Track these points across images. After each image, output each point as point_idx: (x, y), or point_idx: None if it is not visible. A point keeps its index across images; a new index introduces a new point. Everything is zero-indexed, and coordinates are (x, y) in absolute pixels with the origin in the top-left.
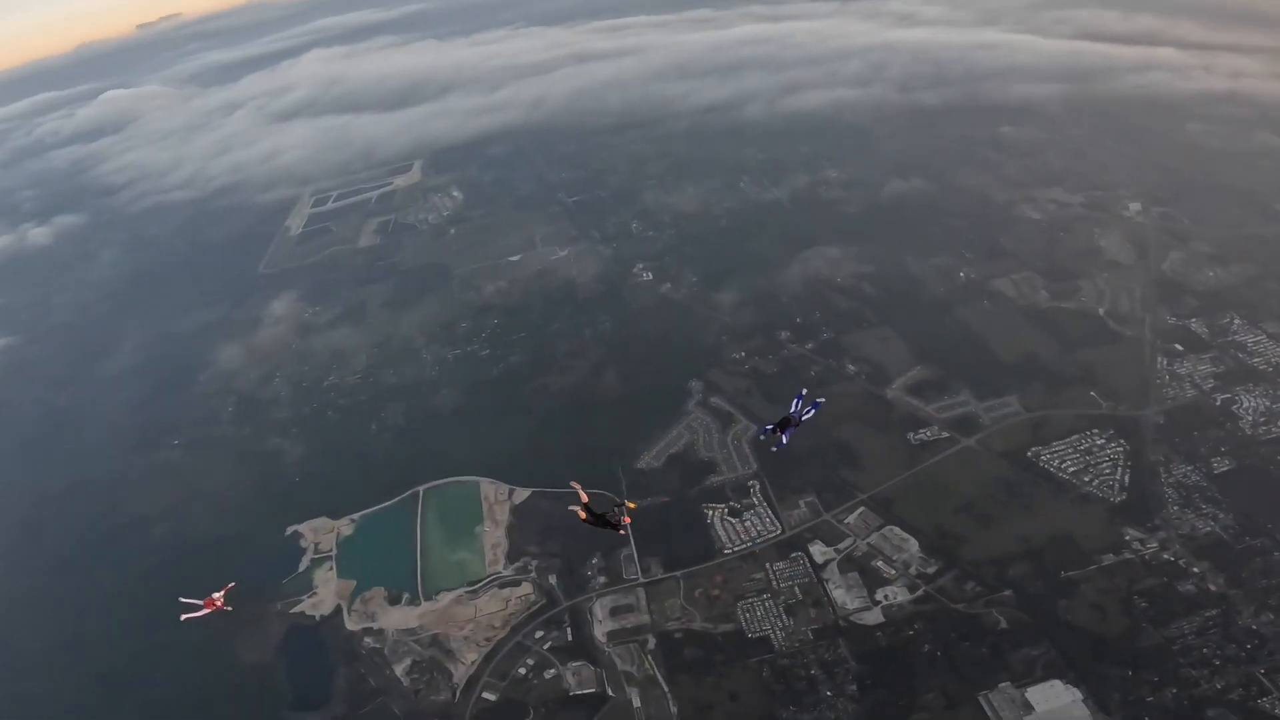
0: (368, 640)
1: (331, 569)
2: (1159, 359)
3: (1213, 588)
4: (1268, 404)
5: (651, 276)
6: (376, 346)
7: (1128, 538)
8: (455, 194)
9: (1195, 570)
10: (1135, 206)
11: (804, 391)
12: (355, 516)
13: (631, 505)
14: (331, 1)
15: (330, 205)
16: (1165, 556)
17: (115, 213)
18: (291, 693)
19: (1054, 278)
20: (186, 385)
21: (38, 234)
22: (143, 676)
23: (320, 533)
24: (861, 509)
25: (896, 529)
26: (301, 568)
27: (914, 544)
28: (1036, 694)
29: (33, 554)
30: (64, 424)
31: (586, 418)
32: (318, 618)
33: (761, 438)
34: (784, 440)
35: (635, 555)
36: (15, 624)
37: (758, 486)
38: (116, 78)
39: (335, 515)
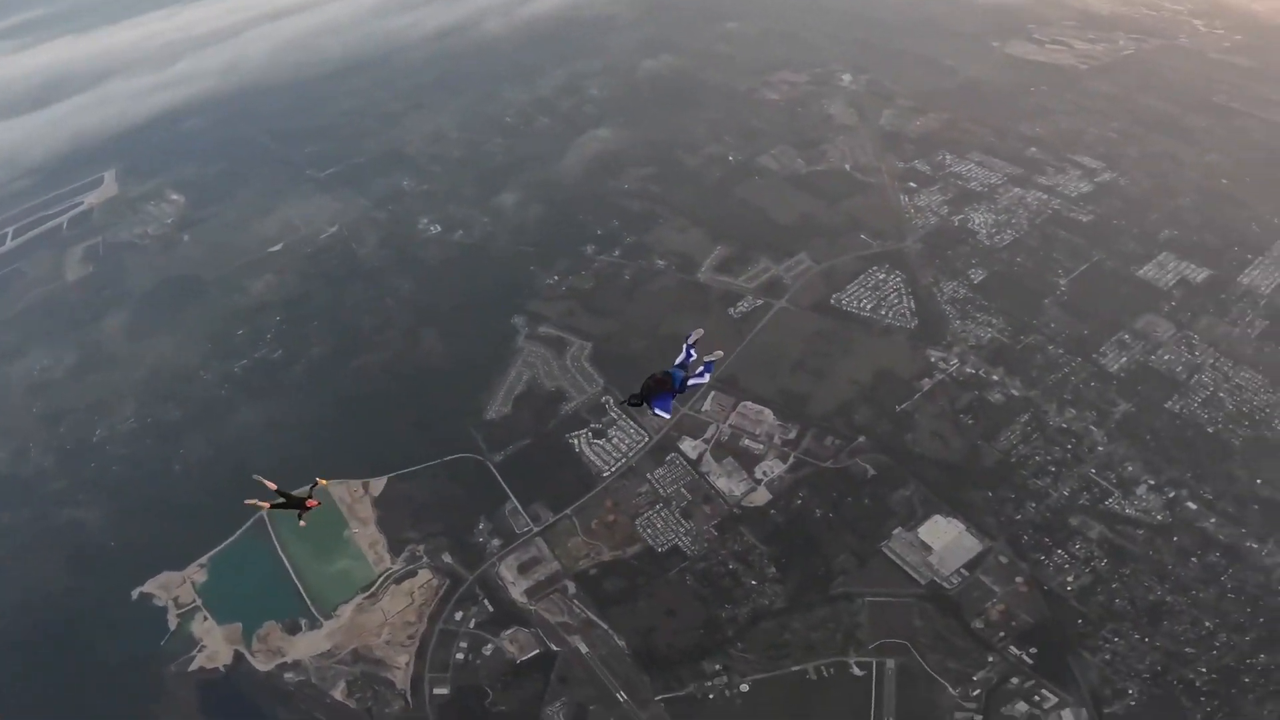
0: (289, 675)
1: (206, 618)
2: (901, 197)
3: (1015, 392)
4: (992, 218)
5: (440, 229)
6: (142, 384)
7: (933, 359)
8: (174, 197)
9: (995, 378)
10: (848, 78)
11: (691, 339)
12: (203, 560)
13: (323, 481)
14: None
15: (9, 245)
16: (967, 370)
17: None
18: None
19: (803, 147)
20: None
21: None
22: None
23: (171, 587)
24: (713, 393)
25: (750, 403)
26: (173, 625)
27: (769, 414)
28: (927, 533)
29: None
30: None
31: (417, 386)
32: (222, 668)
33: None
34: (660, 411)
35: (519, 506)
36: None
37: (610, 400)
38: None
39: (179, 566)
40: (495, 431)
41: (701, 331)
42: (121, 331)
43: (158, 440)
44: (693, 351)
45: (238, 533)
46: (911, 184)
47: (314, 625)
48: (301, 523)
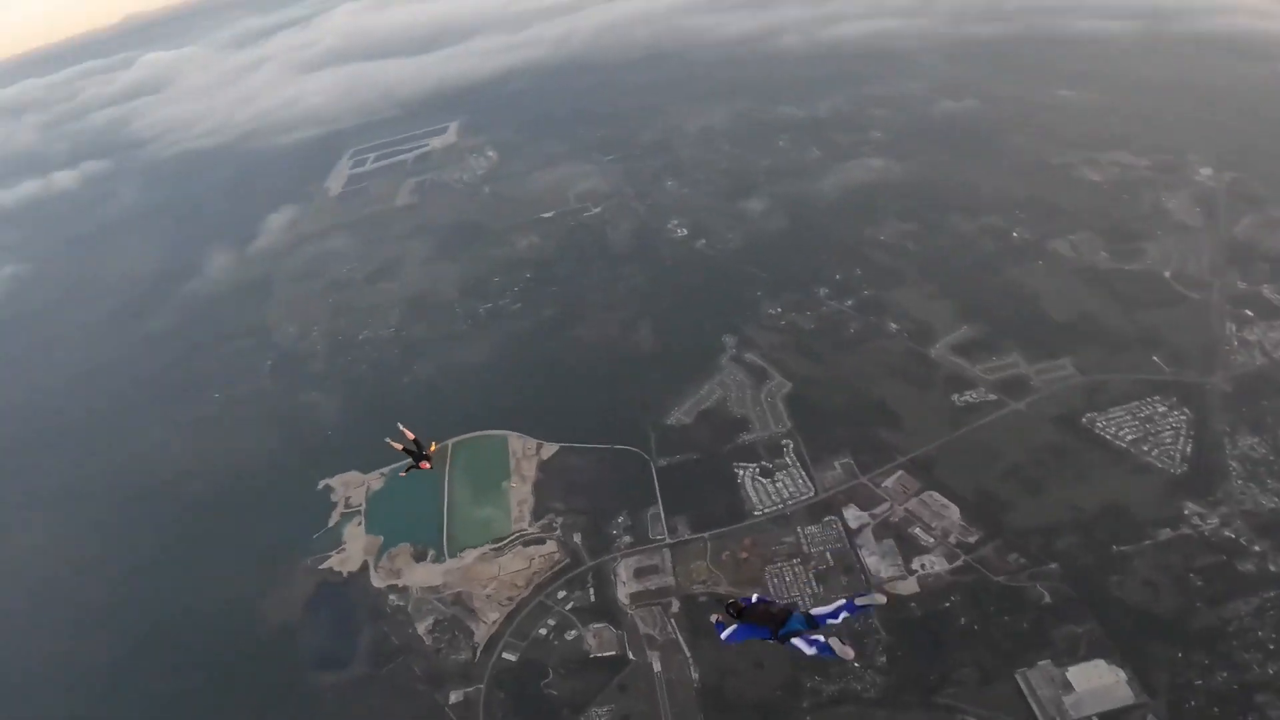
0: (393, 598)
1: (360, 524)
2: (1228, 324)
3: (1273, 568)
4: None
5: (686, 232)
6: (410, 302)
7: (1187, 512)
8: (490, 154)
9: (1257, 549)
10: (1206, 171)
11: (865, 600)
12: (385, 470)
13: (434, 446)
14: None
15: (369, 166)
16: (1226, 533)
17: (142, 159)
18: (315, 653)
19: (1115, 239)
20: (225, 338)
21: (63, 178)
22: (170, 637)
23: (351, 487)
24: (900, 472)
25: (936, 494)
26: (331, 522)
27: (955, 511)
28: (1078, 673)
29: (67, 512)
30: (96, 373)
31: (617, 372)
32: (345, 575)
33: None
34: (728, 638)
35: (662, 515)
36: (51, 584)
37: (791, 446)
38: (159, 45)
39: (366, 469)
40: (669, 437)
41: (883, 600)
42: (414, 256)
43: (402, 352)
44: (851, 610)
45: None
46: (1248, 311)
47: (438, 559)
48: (402, 474)
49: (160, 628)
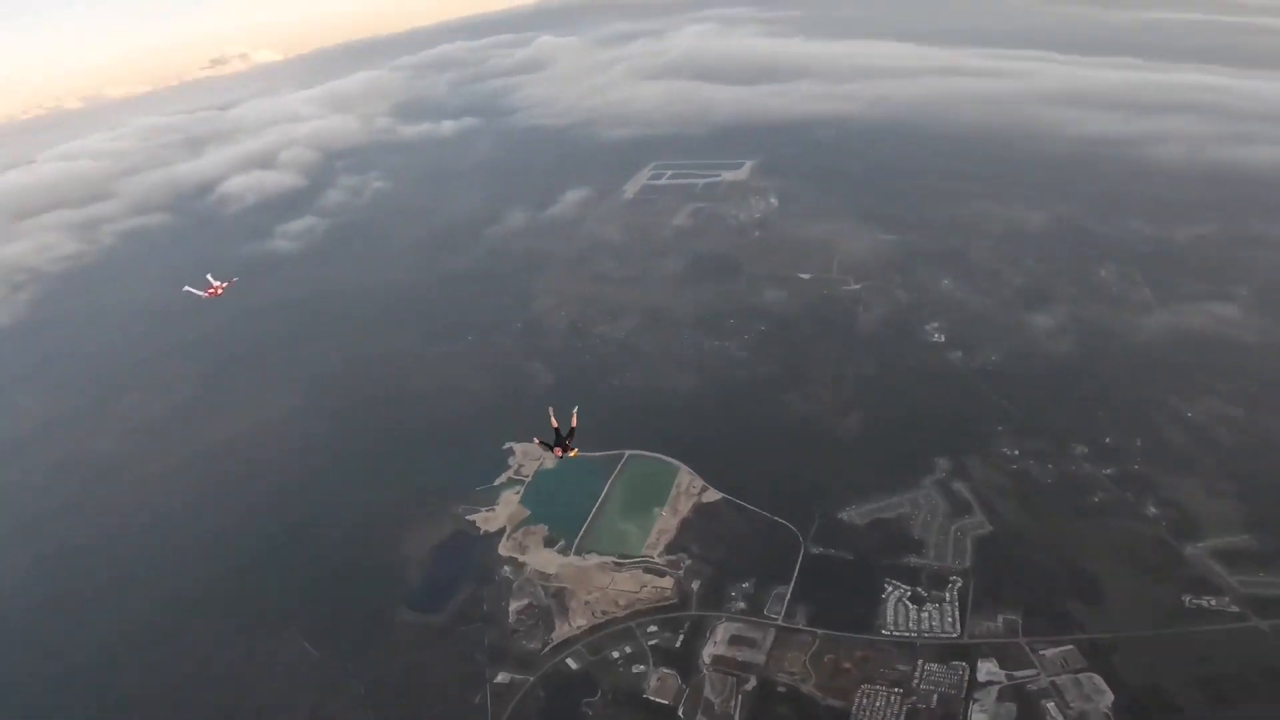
0: (506, 569)
1: (518, 493)
2: None
3: None
4: None
5: (943, 339)
6: (648, 314)
7: None
8: (772, 199)
9: None
10: None
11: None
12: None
13: (574, 453)
14: None
15: (663, 181)
16: None
17: (502, 124)
18: (415, 590)
19: None
20: (498, 290)
21: (446, 126)
22: (311, 533)
23: (528, 457)
24: (1071, 647)
25: (1098, 678)
26: (496, 482)
27: (1108, 698)
28: None
29: (303, 395)
30: (387, 286)
31: (810, 449)
32: (481, 532)
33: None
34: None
35: (787, 596)
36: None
37: (958, 584)
38: (557, 30)
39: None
40: (833, 529)
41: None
42: (668, 274)
43: (624, 356)
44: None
45: (602, 453)
46: None
47: (563, 551)
48: (536, 442)
49: (309, 521)
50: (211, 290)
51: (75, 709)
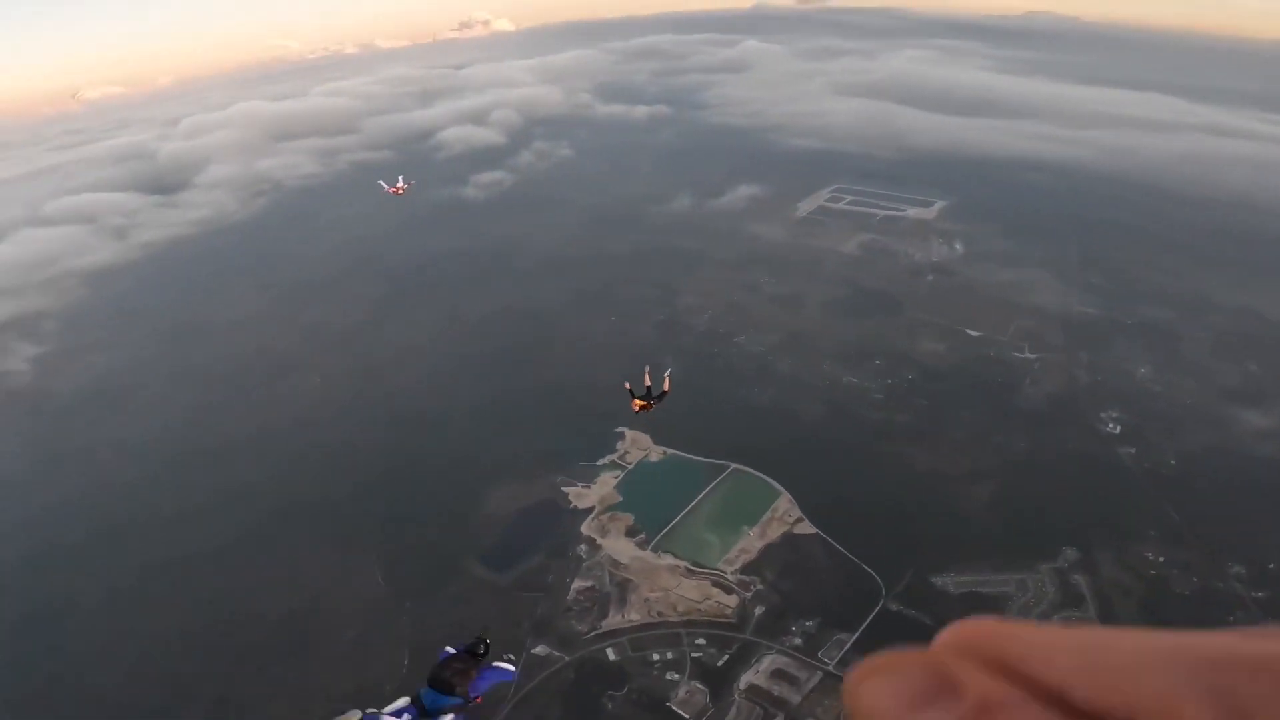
0: (581, 547)
1: (617, 478)
2: None
3: None
4: None
5: (1118, 431)
6: (791, 336)
7: None
8: (956, 245)
9: None
10: None
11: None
12: (669, 451)
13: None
14: (967, 25)
15: (841, 205)
16: None
17: (691, 117)
18: (491, 548)
19: None
20: (649, 277)
21: (639, 110)
22: (405, 475)
23: (636, 446)
24: None
25: None
26: (599, 461)
27: None
28: None
29: (443, 346)
30: (550, 258)
31: (924, 507)
32: (572, 507)
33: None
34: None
35: (849, 644)
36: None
37: None
38: (764, 35)
39: (658, 440)
40: (922, 590)
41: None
42: (821, 301)
43: (756, 372)
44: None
45: (706, 459)
46: None
47: (641, 545)
48: (626, 387)
49: (419, 456)
50: (395, 189)
51: (173, 596)
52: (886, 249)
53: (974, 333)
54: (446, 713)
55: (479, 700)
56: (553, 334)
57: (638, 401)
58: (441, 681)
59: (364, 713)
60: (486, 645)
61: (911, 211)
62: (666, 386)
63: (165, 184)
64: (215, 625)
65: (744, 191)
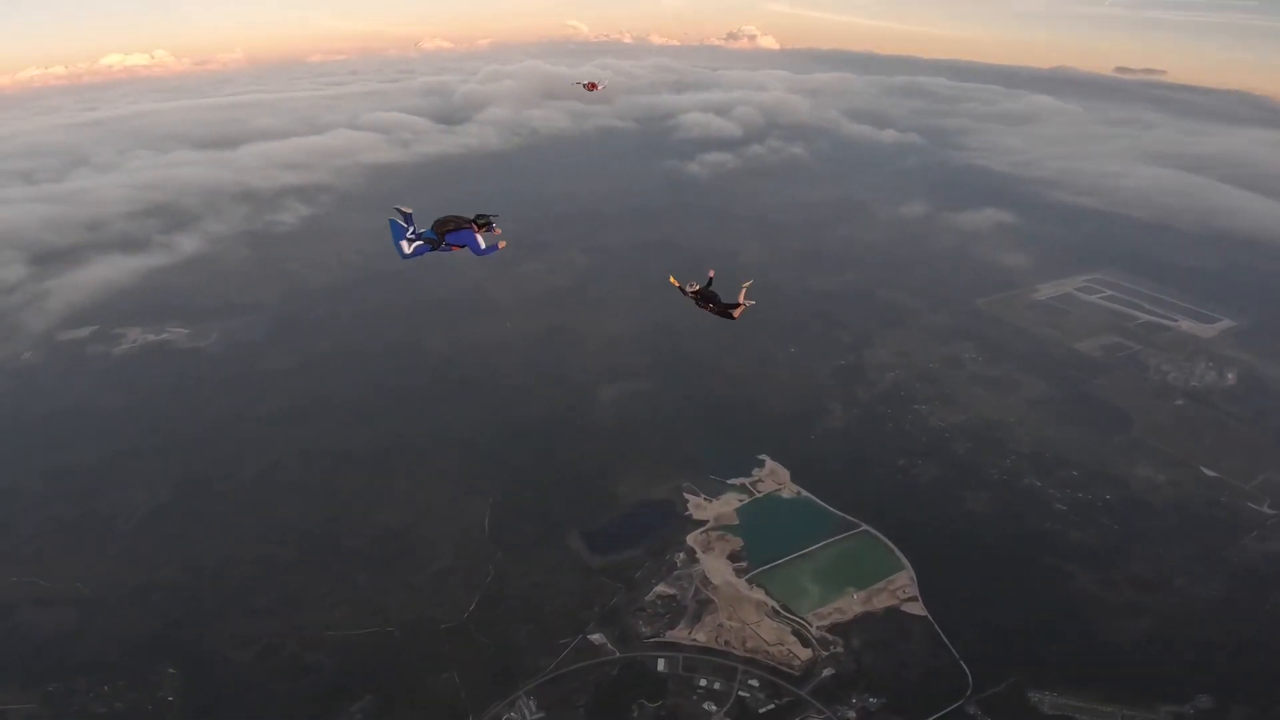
0: (680, 556)
1: (741, 500)
2: None
3: None
4: None
5: None
6: (985, 424)
7: None
8: (1229, 376)
9: None
10: None
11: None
12: (803, 492)
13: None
14: None
15: (1094, 298)
16: None
17: (943, 152)
18: (597, 530)
19: None
20: (844, 316)
21: (887, 134)
22: (569, 438)
23: (772, 476)
24: None
25: None
26: (729, 480)
27: None
28: None
29: (641, 333)
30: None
31: (1051, 628)
32: (687, 515)
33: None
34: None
35: None
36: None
37: None
38: (1059, 95)
39: (796, 477)
40: (1013, 702)
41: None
42: (1036, 397)
43: (933, 444)
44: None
45: (840, 511)
46: None
47: (738, 573)
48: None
49: (557, 429)
50: (590, 85)
51: (304, 484)
52: (1135, 359)
53: (1210, 472)
54: (425, 245)
55: (453, 249)
56: (731, 347)
57: (694, 286)
58: (440, 222)
59: (404, 211)
60: (490, 221)
61: (1185, 323)
62: (743, 299)
63: (452, 116)
64: (325, 524)
65: (978, 250)
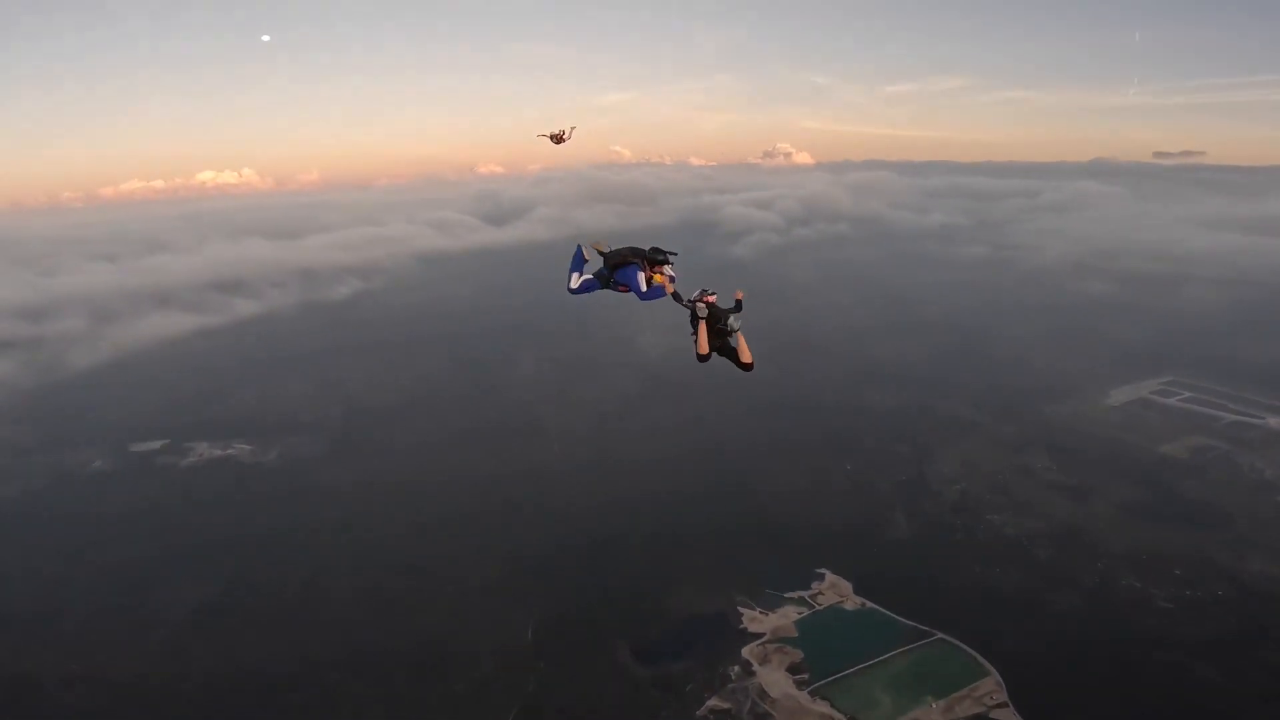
0: (735, 669)
1: (800, 614)
2: None
3: None
4: None
5: None
6: (1065, 529)
7: None
8: None
9: None
10: None
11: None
12: (868, 603)
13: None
14: None
15: (1171, 401)
16: None
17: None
18: (646, 642)
19: None
20: (902, 419)
21: (931, 219)
22: (601, 559)
23: (833, 589)
24: None
25: None
26: (786, 593)
27: None
28: None
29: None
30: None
31: (1177, 707)
32: (741, 628)
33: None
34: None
35: None
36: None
37: None
38: (1102, 180)
39: (859, 589)
40: None
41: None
42: (1114, 497)
43: (1008, 553)
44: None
45: (909, 619)
46: None
47: (801, 685)
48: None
49: (608, 539)
50: (556, 136)
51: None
52: (1226, 458)
53: None
54: (594, 281)
55: (620, 289)
56: (784, 466)
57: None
58: (610, 255)
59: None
60: (666, 258)
61: (1274, 420)
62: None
63: (502, 218)
64: (366, 628)
65: (1038, 357)
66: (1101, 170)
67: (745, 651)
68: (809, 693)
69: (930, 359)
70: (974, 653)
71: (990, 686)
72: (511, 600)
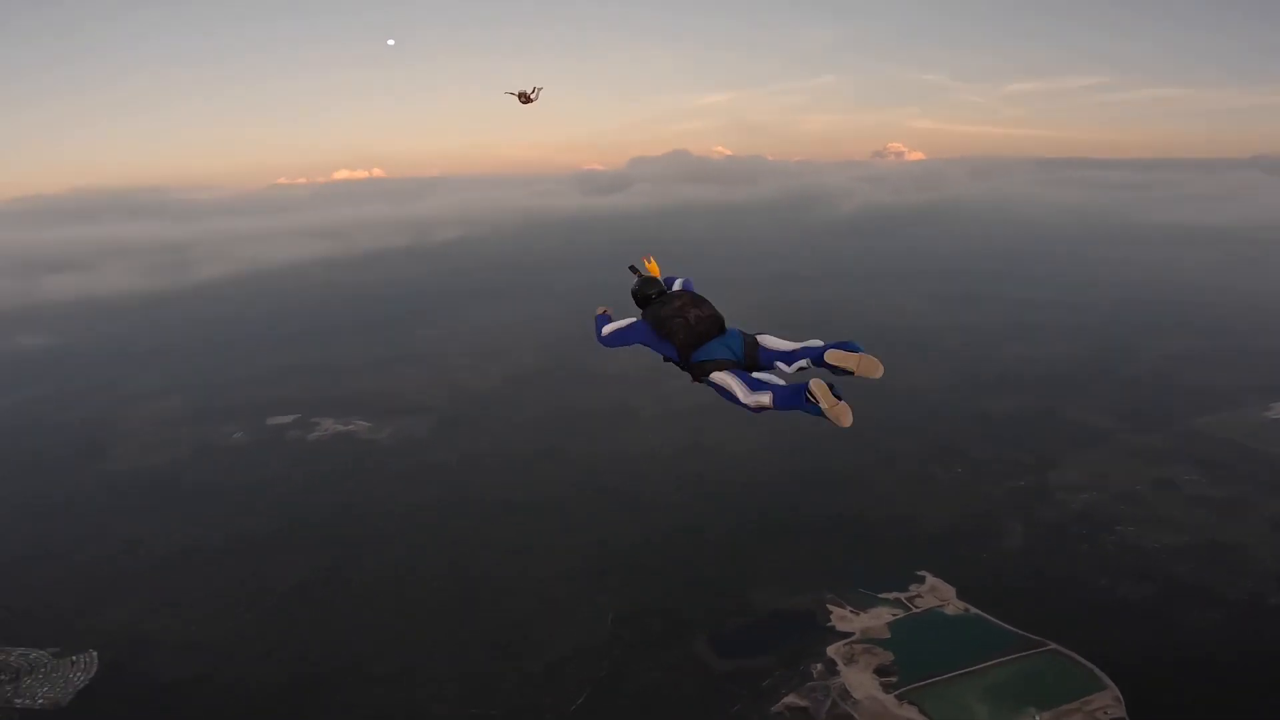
0: (818, 666)
1: (894, 615)
2: None
3: None
4: None
5: None
6: (1209, 542)
7: None
8: None
9: None
10: None
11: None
12: (972, 609)
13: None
14: None
15: None
16: None
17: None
18: (725, 635)
19: None
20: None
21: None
22: (689, 552)
23: (934, 592)
24: None
25: None
26: (880, 594)
27: None
28: None
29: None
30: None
31: None
32: (829, 626)
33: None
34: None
35: None
36: None
37: None
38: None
39: (962, 594)
40: None
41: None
42: (1268, 510)
43: (1138, 566)
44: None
45: (1014, 627)
46: None
47: (889, 688)
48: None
49: (698, 531)
50: (522, 95)
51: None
52: None
53: None
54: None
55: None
56: (885, 465)
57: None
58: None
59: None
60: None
61: None
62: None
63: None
64: (455, 606)
65: (1189, 370)
66: (1265, 166)
67: (830, 650)
68: (896, 696)
69: (1052, 362)
70: (1091, 665)
71: (1106, 700)
72: (594, 585)
